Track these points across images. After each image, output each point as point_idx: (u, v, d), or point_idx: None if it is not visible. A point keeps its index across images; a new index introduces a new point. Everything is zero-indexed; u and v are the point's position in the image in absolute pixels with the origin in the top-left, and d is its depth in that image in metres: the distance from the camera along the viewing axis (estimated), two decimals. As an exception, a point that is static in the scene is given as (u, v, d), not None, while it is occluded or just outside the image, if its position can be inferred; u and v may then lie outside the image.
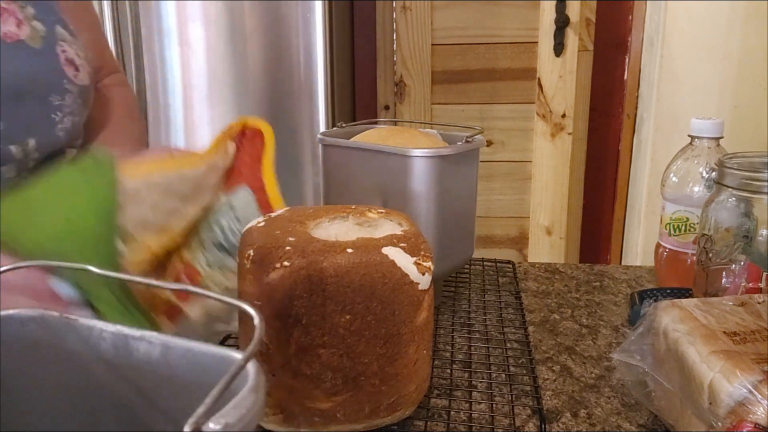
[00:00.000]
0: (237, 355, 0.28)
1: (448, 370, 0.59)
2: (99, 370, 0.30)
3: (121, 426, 0.31)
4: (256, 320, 0.26)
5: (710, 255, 0.61)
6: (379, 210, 0.53)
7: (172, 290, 0.50)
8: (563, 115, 1.81)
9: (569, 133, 1.82)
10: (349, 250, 0.45)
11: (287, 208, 0.55)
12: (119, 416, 0.31)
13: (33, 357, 0.32)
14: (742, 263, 0.59)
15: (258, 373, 0.26)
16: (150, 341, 0.29)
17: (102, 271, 0.34)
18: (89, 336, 0.30)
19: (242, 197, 0.59)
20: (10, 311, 0.32)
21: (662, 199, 0.76)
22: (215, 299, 0.30)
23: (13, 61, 0.56)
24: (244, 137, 0.61)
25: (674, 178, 0.74)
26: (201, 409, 0.22)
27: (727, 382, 0.40)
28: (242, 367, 0.24)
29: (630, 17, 1.81)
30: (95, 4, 1.43)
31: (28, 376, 0.32)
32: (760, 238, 0.58)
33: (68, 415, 0.32)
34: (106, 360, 0.30)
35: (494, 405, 0.54)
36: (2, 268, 0.33)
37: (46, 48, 0.59)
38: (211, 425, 0.22)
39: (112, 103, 0.75)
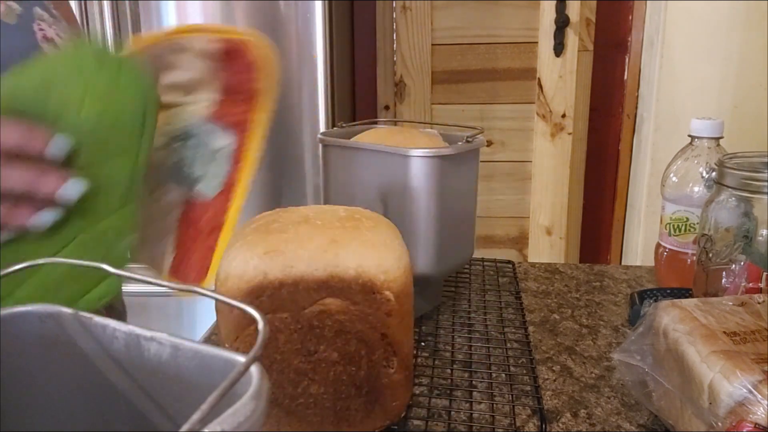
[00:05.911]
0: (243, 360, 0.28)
1: (449, 370, 0.59)
2: (111, 369, 0.30)
3: (131, 427, 0.31)
4: (260, 324, 0.26)
5: (710, 255, 0.61)
6: None
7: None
8: (563, 115, 1.81)
9: (569, 133, 1.82)
10: None
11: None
12: (129, 417, 0.31)
13: (52, 354, 0.31)
14: (742, 263, 0.59)
15: (261, 378, 0.24)
16: (161, 342, 0.29)
17: (116, 270, 0.34)
18: (102, 335, 0.30)
19: (222, 142, 0.54)
20: (29, 307, 0.31)
21: (662, 199, 0.76)
22: (215, 299, 0.29)
23: None
24: (235, 57, 0.51)
25: (674, 178, 0.74)
26: (196, 416, 0.21)
27: (727, 382, 0.40)
28: (243, 372, 0.23)
29: (630, 17, 1.81)
30: (95, 4, 1.43)
31: (47, 373, 0.32)
32: (760, 238, 0.58)
33: (82, 414, 0.32)
34: (118, 360, 0.30)
35: (494, 405, 0.54)
36: (16, 267, 0.32)
37: (21, 24, 0.57)
38: None
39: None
